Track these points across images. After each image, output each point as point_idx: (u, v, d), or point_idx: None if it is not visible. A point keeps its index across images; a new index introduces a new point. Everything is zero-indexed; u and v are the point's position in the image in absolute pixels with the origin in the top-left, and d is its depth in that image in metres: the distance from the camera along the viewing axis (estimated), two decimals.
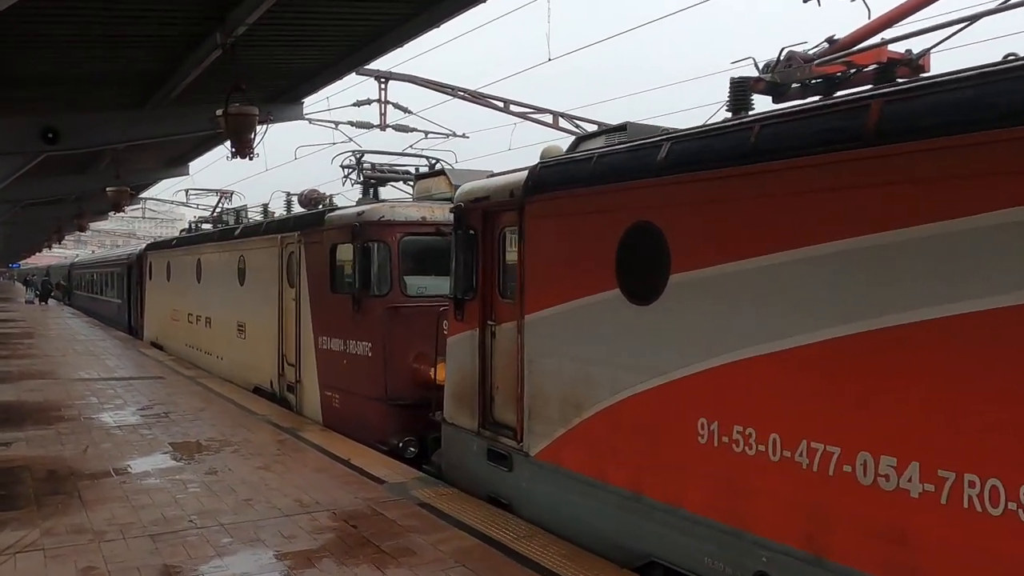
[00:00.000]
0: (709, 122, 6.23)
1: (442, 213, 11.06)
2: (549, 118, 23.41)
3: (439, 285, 11.17)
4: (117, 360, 19.71)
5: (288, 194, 17.22)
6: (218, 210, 23.69)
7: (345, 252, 11.72)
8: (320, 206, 14.21)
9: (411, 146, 15.83)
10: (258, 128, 8.49)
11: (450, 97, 22.47)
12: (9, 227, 34.95)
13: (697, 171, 5.64)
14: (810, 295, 4.85)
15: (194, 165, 20.78)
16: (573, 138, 8.36)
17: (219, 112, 8.22)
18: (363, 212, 11.12)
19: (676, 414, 5.78)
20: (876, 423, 4.47)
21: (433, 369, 10.43)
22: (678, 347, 5.78)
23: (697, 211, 5.66)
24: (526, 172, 7.63)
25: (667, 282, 5.88)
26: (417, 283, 10.98)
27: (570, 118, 23.14)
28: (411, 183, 14.21)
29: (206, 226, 22.45)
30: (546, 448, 7.17)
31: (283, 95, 12.96)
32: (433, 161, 14.57)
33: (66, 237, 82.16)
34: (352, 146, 22.30)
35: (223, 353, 17.40)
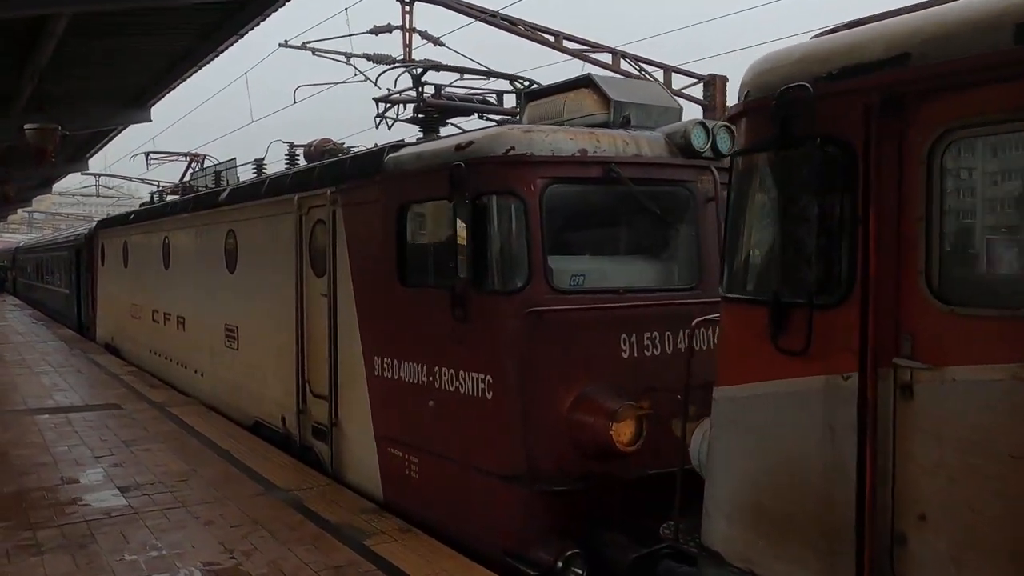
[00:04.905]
0: None
1: (611, 143, 6.28)
2: (608, 57, 18.78)
3: (608, 272, 6.45)
4: (57, 374, 14.63)
5: (291, 146, 12.27)
6: (187, 177, 18.59)
7: (431, 216, 6.91)
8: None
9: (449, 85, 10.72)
10: None
11: (489, 26, 17.69)
12: None
13: None
14: None
15: (159, 114, 15.56)
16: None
17: None
18: (472, 143, 6.26)
19: None
20: None
21: (613, 424, 5.74)
22: None
23: None
24: None
25: None
26: (571, 268, 6.20)
27: (634, 58, 18.52)
28: (492, 117, 9.41)
29: (173, 198, 17.37)
30: None
31: None
32: (525, 83, 9.80)
33: (14, 220, 75.45)
34: (368, 86, 17.36)
35: (204, 368, 12.45)
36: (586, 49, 18.25)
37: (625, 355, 6.07)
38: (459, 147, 6.34)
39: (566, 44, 17.97)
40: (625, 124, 6.65)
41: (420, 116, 8.85)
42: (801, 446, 3.75)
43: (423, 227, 7.06)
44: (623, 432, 5.74)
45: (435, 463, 6.68)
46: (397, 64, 9.67)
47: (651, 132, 6.57)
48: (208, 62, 11.28)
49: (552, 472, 5.84)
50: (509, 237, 6.10)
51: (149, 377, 14.22)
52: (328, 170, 8.65)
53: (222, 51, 10.56)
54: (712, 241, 6.48)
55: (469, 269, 6.07)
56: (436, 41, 16.54)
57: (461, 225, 6.10)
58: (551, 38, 17.85)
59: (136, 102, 14.43)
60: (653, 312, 6.18)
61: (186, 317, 13.45)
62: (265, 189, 10.17)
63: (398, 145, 7.61)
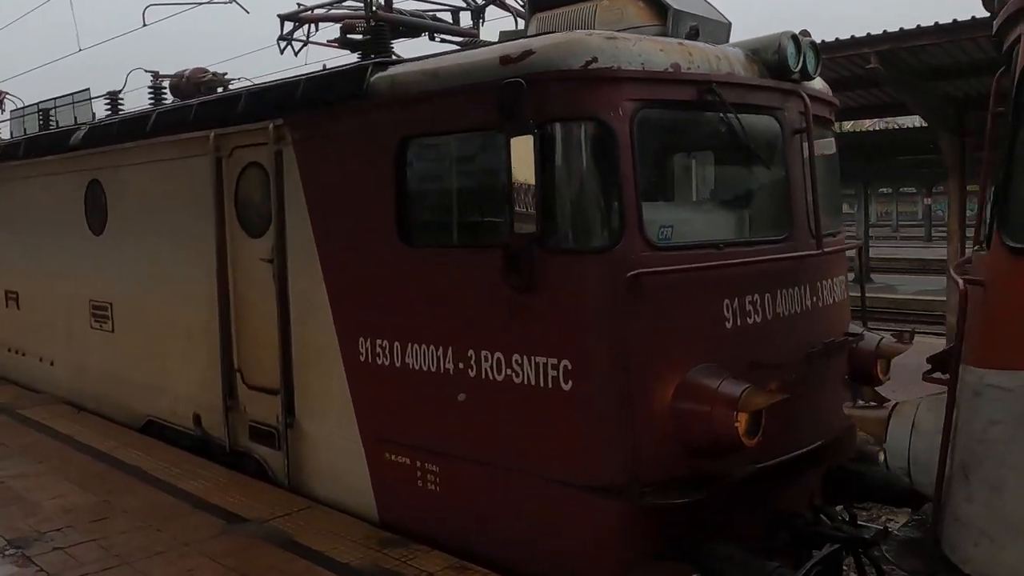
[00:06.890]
0: None
1: (703, 58, 4.96)
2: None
3: (695, 221, 5.21)
4: None
5: (156, 76, 9.86)
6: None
7: (456, 152, 5.28)
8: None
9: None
10: None
11: None
12: None
13: None
14: None
15: None
16: None
17: None
18: (531, 52, 4.69)
19: None
20: None
21: (738, 414, 4.55)
22: None
23: None
24: None
25: None
26: (659, 218, 4.86)
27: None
28: (448, 39, 7.83)
29: None
30: None
31: None
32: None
33: None
34: (233, 8, 14.70)
35: (57, 355, 9.92)
36: None
37: (729, 325, 4.88)
38: (508, 59, 4.76)
39: None
40: (693, 39, 5.34)
41: (364, 36, 7.06)
42: None
43: (441, 168, 5.42)
44: (747, 422, 4.58)
45: (471, 472, 5.19)
46: None
47: (732, 47, 5.31)
48: None
49: (659, 479, 4.57)
50: (590, 178, 4.67)
51: None
52: (265, 97, 6.66)
53: None
54: (800, 182, 5.40)
55: (535, 221, 4.58)
56: None
57: (520, 163, 4.58)
58: None
59: None
60: (755, 271, 5.02)
61: (20, 292, 10.74)
62: (152, 126, 7.90)
63: (384, 62, 5.85)
